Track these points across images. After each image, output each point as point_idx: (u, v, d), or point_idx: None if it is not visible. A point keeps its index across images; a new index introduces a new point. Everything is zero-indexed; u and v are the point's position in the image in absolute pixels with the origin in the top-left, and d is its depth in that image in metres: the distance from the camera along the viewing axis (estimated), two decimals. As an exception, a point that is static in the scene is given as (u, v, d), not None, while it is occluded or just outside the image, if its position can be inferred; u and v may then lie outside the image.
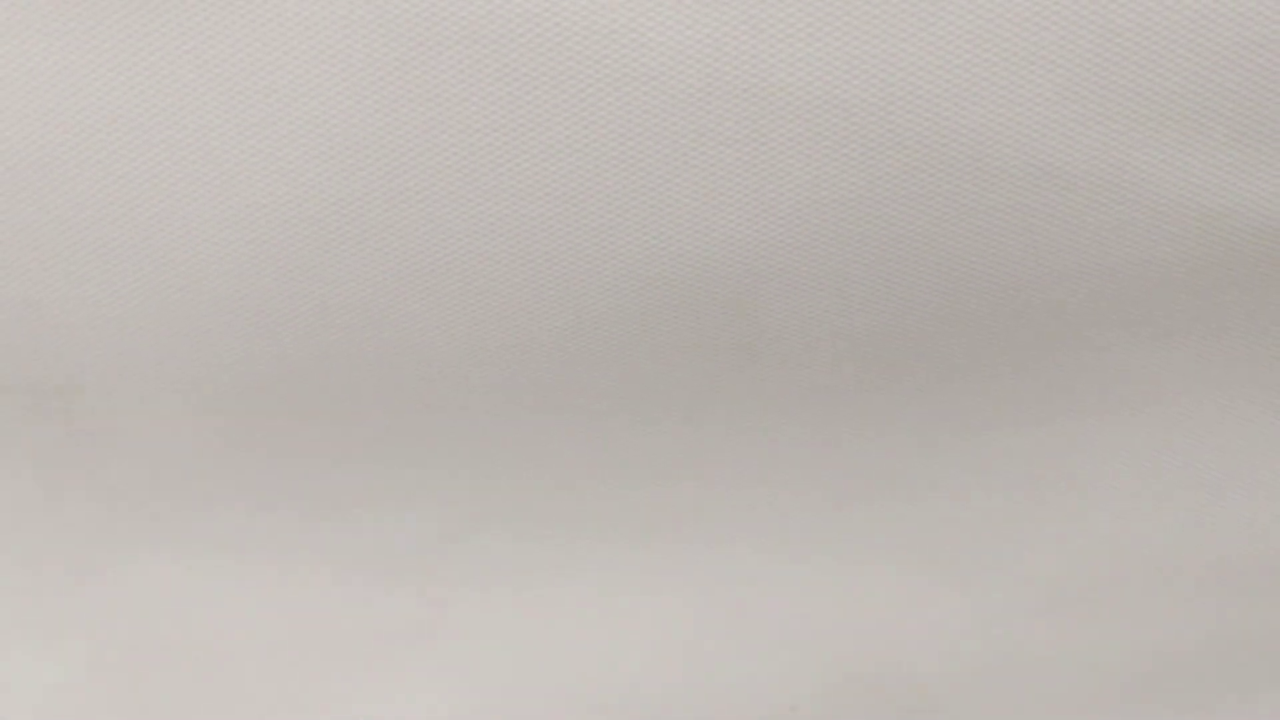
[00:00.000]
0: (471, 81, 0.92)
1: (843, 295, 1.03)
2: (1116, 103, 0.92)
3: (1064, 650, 1.35)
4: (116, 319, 1.08)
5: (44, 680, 1.41)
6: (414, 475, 1.25)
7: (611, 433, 1.19)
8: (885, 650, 1.37)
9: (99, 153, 0.97)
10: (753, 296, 1.03)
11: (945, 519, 1.25)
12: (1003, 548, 1.28)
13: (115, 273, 1.04)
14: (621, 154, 0.95)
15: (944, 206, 0.97)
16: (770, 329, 1.06)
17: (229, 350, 1.11)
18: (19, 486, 1.26)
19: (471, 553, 1.31)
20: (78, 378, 1.15)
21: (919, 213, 0.97)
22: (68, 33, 0.91)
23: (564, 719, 1.41)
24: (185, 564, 1.33)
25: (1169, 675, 1.33)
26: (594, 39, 0.90)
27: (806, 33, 0.91)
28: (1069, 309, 1.02)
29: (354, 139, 0.95)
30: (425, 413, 1.19)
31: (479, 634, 1.36)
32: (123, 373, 1.14)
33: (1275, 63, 0.90)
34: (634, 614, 1.36)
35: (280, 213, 0.99)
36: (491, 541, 1.31)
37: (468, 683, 1.38)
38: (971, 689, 1.37)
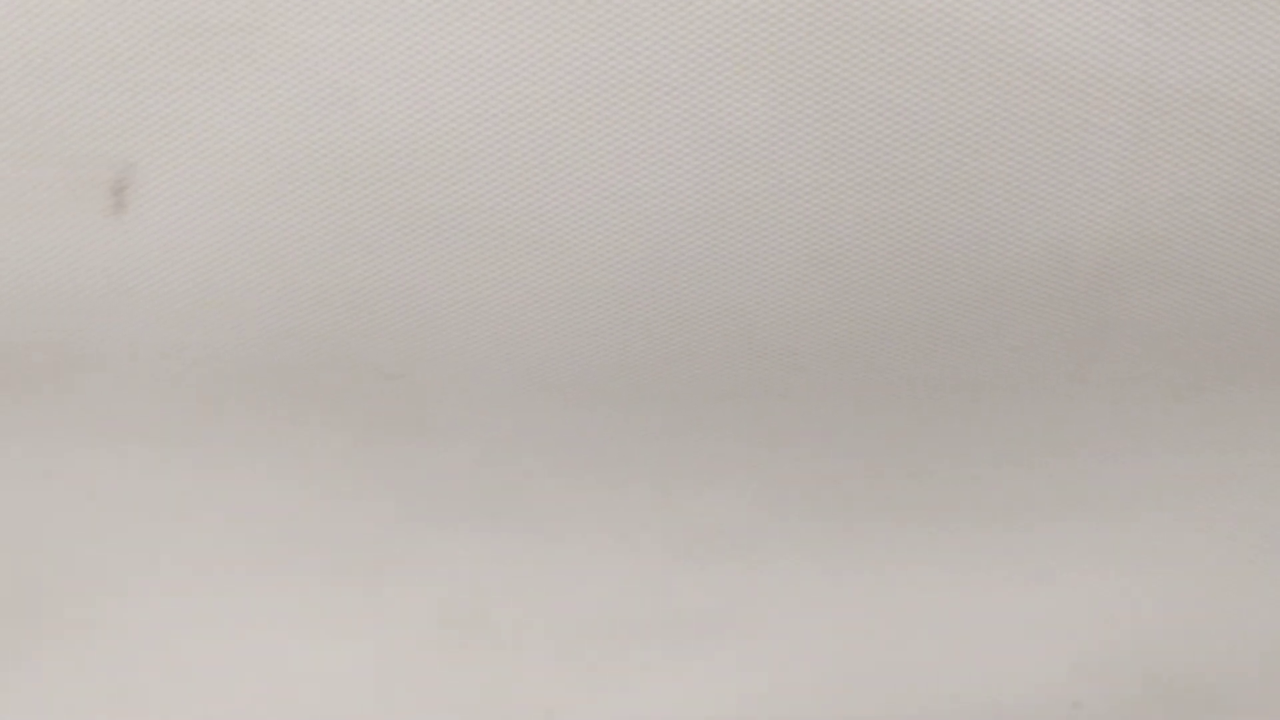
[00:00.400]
0: (863, 75, 0.94)
1: (1198, 291, 1.04)
2: None
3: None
4: (459, 307, 1.11)
5: (330, 672, 1.44)
6: (719, 459, 1.27)
7: (935, 420, 1.20)
8: (1174, 650, 1.37)
9: (476, 141, 0.99)
10: (1106, 289, 1.04)
11: (1255, 517, 1.25)
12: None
13: (467, 260, 1.07)
14: (1002, 144, 0.96)
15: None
16: (1118, 322, 1.07)
17: (568, 341, 1.13)
18: (328, 469, 1.29)
19: (773, 539, 1.33)
20: (403, 363, 1.18)
21: (1293, 210, 0.98)
22: (472, 26, 0.94)
23: (851, 709, 1.42)
24: (484, 556, 1.35)
25: None
26: (987, 30, 0.92)
27: (1197, 30, 0.92)
28: None
29: (738, 132, 0.97)
30: (735, 398, 1.21)
31: (775, 622, 1.38)
32: (448, 361, 1.17)
33: None
34: (920, 606, 1.38)
35: (656, 205, 1.01)
36: (794, 529, 1.32)
37: (761, 671, 1.40)
38: (1265, 693, 1.37)
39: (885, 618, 1.37)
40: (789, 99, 0.95)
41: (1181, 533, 1.28)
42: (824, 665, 1.40)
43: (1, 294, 1.11)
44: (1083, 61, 0.92)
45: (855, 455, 1.25)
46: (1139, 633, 1.37)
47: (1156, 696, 1.40)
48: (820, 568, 1.35)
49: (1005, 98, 0.94)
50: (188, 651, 1.41)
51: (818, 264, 1.04)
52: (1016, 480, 1.25)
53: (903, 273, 1.05)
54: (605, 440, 1.26)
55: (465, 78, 0.96)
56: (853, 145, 0.97)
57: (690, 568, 1.36)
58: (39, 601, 1.39)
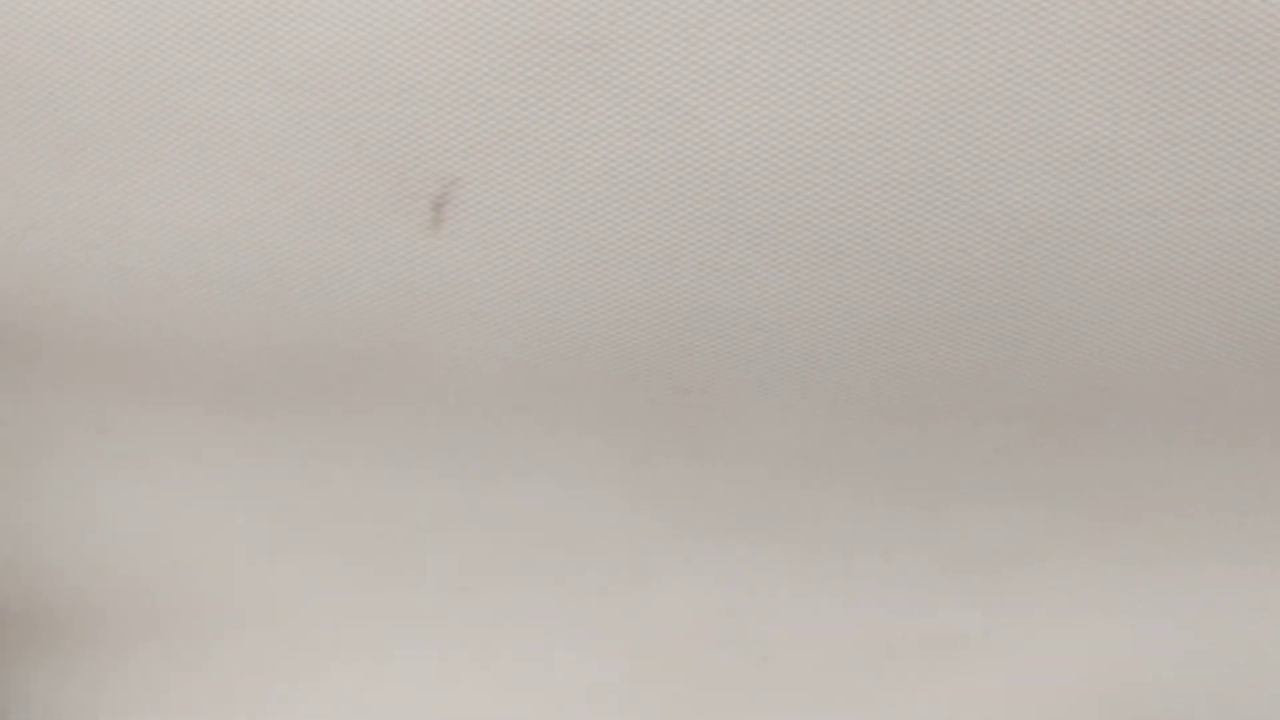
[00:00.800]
0: (1219, 95, 0.92)
1: None
2: None
3: None
4: (775, 324, 1.10)
5: (584, 681, 1.44)
6: (989, 479, 1.26)
7: (1212, 448, 1.19)
8: None
9: (817, 159, 0.99)
10: None
11: None
12: None
13: (793, 276, 1.06)
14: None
15: None
16: None
17: (878, 361, 1.12)
18: (605, 480, 1.28)
19: (1040, 569, 1.31)
20: (700, 379, 1.17)
21: None
22: (820, 45, 0.93)
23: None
24: (746, 573, 1.35)
25: None
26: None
27: None
28: None
29: (1089, 148, 0.95)
30: (1017, 419, 1.19)
31: (1030, 651, 1.36)
32: (748, 378, 1.16)
33: None
34: (1187, 629, 1.36)
35: (1001, 221, 1.00)
36: (1059, 560, 1.31)
37: (1018, 691, 1.39)
38: None
39: (1147, 639, 1.36)
40: (1142, 117, 0.94)
41: None
42: (1081, 685, 1.38)
43: (314, 299, 1.11)
44: None
45: (1131, 480, 1.23)
46: None
47: None
48: (1084, 588, 1.33)
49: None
50: (450, 651, 1.42)
51: (1149, 284, 1.02)
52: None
53: (1226, 297, 1.04)
54: (881, 459, 1.25)
55: (811, 96, 0.95)
56: (1202, 167, 0.96)
57: (953, 586, 1.35)
58: (304, 607, 1.40)
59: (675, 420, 1.21)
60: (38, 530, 1.42)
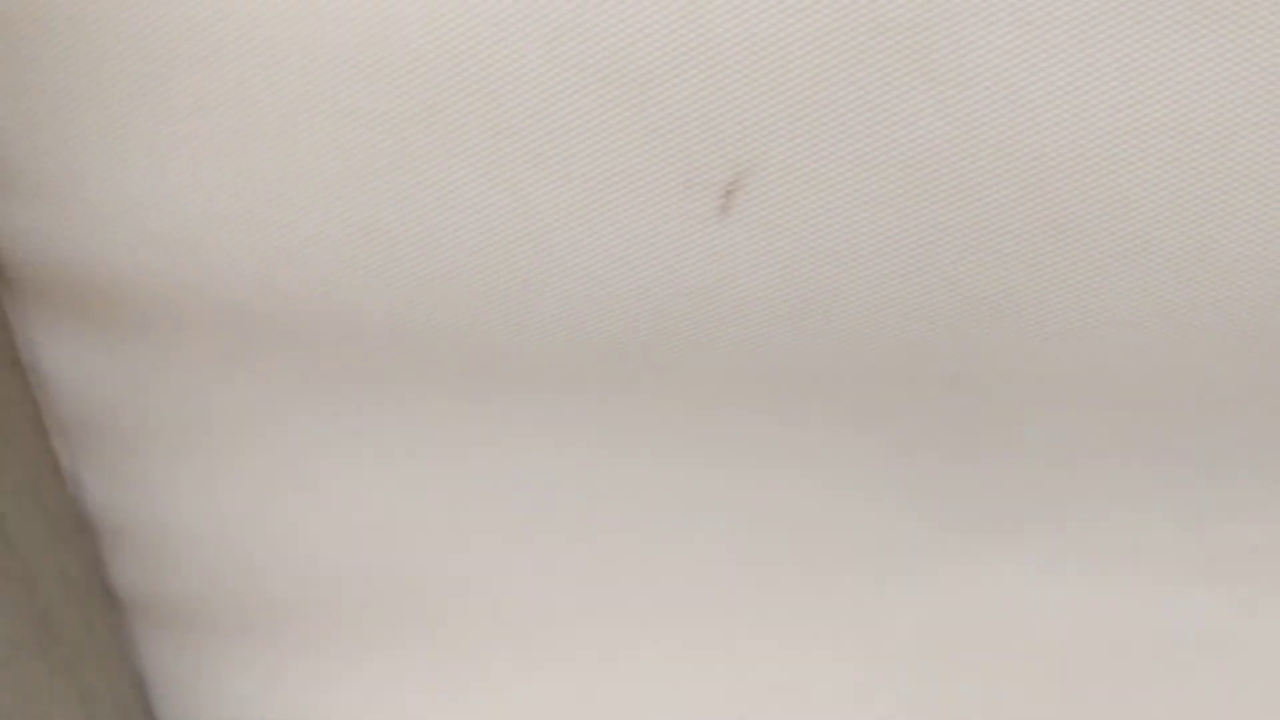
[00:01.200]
0: None
1: None
2: None
3: None
4: (1040, 316, 1.07)
5: (828, 680, 1.41)
6: (1251, 485, 1.22)
7: None
8: None
9: (1127, 151, 0.95)
10: None
11: None
12: None
13: (1088, 271, 1.03)
14: None
15: None
16: None
17: (1149, 358, 1.09)
18: (857, 477, 1.26)
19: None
20: (973, 373, 1.14)
21: None
22: (1146, 34, 0.89)
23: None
24: (988, 574, 1.31)
25: None
26: None
27: None
28: None
29: None
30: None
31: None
32: (1025, 373, 1.13)
33: None
34: None
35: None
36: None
37: (1255, 695, 1.35)
38: None
39: None
40: None
41: None
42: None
43: (589, 288, 1.09)
44: None
45: None
46: None
47: None
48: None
49: None
50: (692, 643, 1.39)
51: None
52: None
53: None
54: (1150, 457, 1.21)
55: (1135, 86, 0.92)
56: None
57: (1211, 583, 1.31)
58: (542, 597, 1.38)
59: (943, 414, 1.18)
60: (261, 517, 1.41)
